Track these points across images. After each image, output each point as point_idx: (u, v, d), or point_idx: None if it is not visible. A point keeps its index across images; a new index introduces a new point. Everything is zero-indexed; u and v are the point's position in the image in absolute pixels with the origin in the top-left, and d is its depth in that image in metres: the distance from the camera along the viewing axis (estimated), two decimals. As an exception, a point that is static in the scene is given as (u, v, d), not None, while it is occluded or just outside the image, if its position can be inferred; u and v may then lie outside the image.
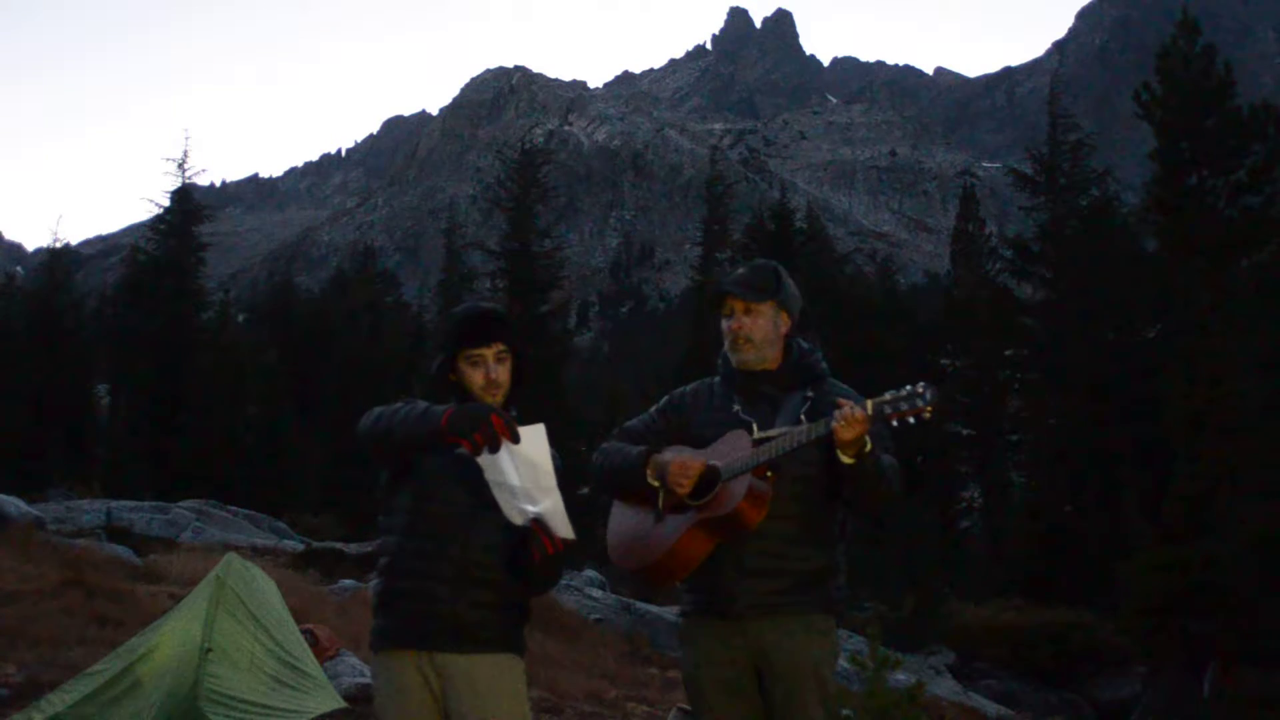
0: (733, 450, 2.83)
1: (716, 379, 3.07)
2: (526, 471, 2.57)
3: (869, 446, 2.71)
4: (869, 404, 2.68)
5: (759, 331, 2.95)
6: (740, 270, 3.06)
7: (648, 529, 2.91)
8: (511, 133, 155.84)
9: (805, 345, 3.04)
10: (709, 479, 2.82)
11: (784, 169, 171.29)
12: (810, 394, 2.92)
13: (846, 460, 2.71)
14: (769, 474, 2.79)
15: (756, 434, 2.84)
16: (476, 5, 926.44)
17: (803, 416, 2.85)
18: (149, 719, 5.38)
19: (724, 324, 3.00)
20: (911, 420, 2.67)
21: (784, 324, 2.99)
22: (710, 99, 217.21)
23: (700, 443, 2.91)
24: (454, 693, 2.68)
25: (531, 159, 35.71)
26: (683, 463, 2.82)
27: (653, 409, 3.14)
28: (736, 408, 2.94)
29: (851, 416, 2.64)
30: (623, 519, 3.01)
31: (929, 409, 2.65)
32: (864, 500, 2.85)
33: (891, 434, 2.82)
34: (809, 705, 2.80)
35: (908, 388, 2.67)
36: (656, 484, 2.87)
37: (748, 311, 2.95)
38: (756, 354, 2.96)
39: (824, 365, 3.03)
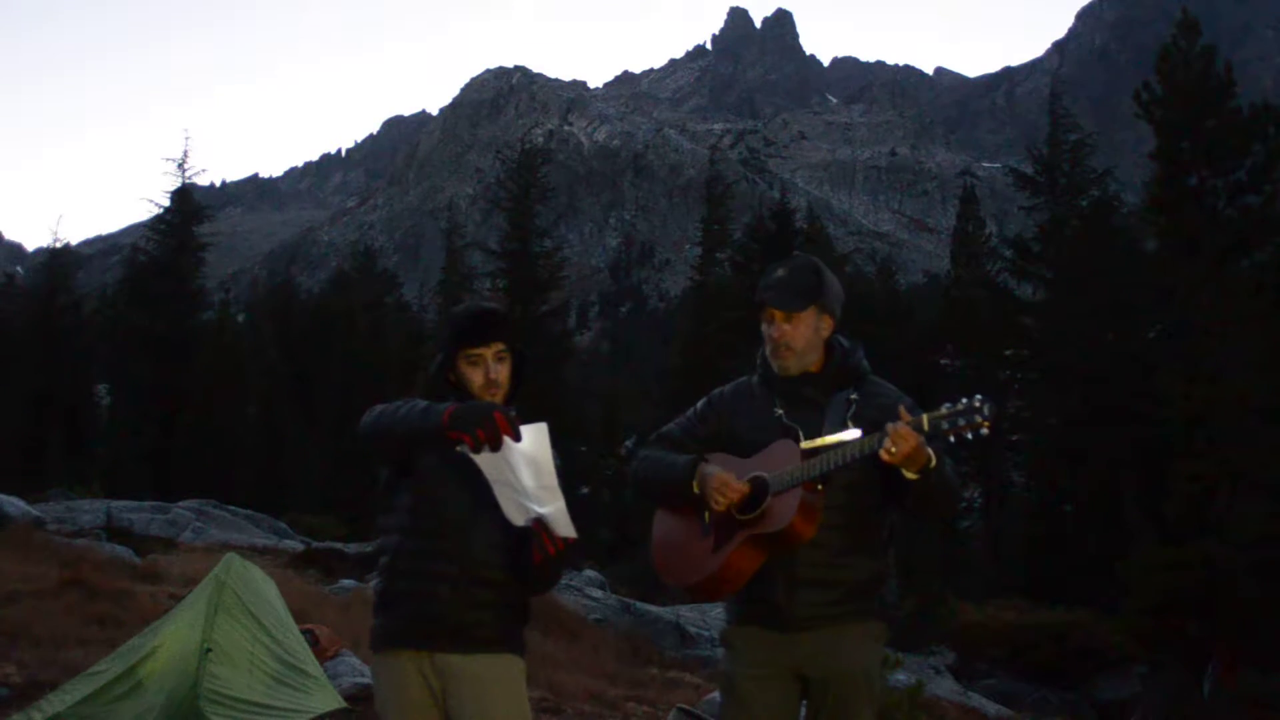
0: (780, 461, 2.73)
1: (755, 378, 2.95)
2: (529, 470, 2.54)
3: (933, 461, 2.59)
4: (925, 420, 2.55)
5: (800, 340, 2.83)
6: (779, 272, 2.89)
7: (694, 542, 2.82)
8: (511, 133, 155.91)
9: (846, 344, 2.92)
10: (757, 491, 2.72)
11: (784, 169, 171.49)
12: (854, 395, 2.82)
13: (911, 476, 2.60)
14: (819, 486, 2.69)
15: (804, 443, 2.73)
16: (476, 5, 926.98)
17: (849, 421, 2.74)
18: (151, 720, 5.39)
19: (764, 328, 2.89)
20: (969, 436, 2.54)
21: (826, 327, 2.87)
22: (710, 99, 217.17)
23: (744, 447, 2.82)
24: (454, 693, 2.67)
25: (531, 159, 35.75)
26: (723, 480, 2.72)
27: (691, 412, 3.01)
28: (779, 411, 2.83)
29: (899, 437, 2.52)
30: (668, 530, 2.91)
31: (987, 424, 2.52)
32: (929, 511, 2.77)
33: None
34: (861, 713, 2.75)
35: (964, 401, 2.55)
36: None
37: (788, 319, 2.83)
38: (798, 361, 2.85)
39: (865, 364, 2.91)
